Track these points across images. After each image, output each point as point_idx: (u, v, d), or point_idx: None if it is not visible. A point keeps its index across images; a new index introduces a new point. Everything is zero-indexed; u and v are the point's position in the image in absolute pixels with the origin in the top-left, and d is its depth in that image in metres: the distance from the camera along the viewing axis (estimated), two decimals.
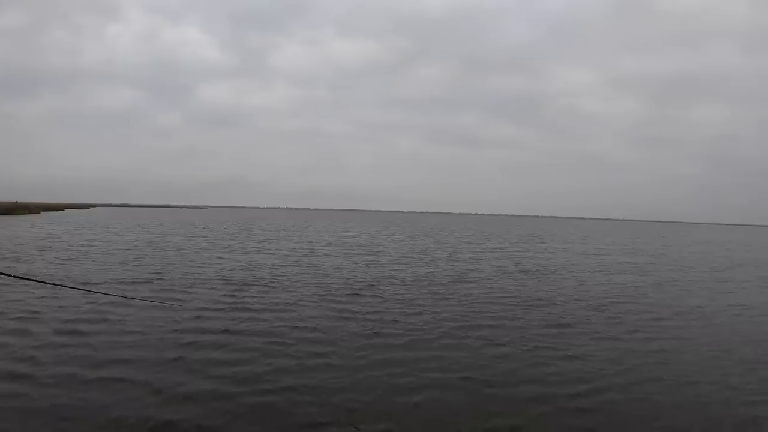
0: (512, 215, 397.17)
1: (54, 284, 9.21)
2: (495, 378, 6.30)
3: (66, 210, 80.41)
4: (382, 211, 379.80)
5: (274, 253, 21.66)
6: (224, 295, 11.24)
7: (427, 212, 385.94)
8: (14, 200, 69.93)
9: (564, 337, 8.46)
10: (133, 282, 12.56)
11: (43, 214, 62.03)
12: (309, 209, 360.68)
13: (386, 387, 5.86)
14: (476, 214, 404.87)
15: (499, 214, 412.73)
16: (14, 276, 5.02)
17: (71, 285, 10.85)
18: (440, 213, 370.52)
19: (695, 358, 7.42)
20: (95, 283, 11.94)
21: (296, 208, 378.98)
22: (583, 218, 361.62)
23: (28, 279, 6.11)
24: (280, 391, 5.63)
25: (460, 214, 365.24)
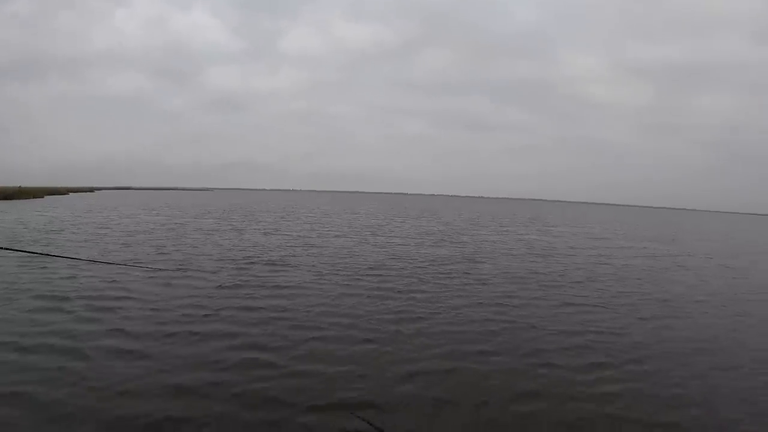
0: (519, 199, 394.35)
1: (69, 257, 9.90)
2: (514, 359, 6.25)
3: (69, 194, 79.54)
4: (388, 193, 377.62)
5: (283, 234, 21.61)
6: (232, 275, 11.17)
7: (434, 195, 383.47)
8: (17, 185, 68.94)
9: (582, 318, 8.47)
10: (139, 260, 12.80)
11: (47, 198, 61.21)
12: (315, 191, 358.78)
13: (395, 374, 5.61)
14: (483, 197, 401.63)
15: (506, 198, 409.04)
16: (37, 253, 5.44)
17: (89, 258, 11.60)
18: (447, 196, 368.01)
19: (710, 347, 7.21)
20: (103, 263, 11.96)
21: (302, 190, 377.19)
22: (589, 203, 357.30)
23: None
24: (295, 374, 5.50)
25: (467, 197, 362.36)
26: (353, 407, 4.70)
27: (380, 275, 11.77)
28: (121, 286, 9.52)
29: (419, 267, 13.30)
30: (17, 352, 5.85)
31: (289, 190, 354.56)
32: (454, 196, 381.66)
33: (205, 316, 7.73)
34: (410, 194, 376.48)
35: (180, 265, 12.21)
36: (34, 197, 59.03)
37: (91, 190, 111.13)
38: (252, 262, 13.08)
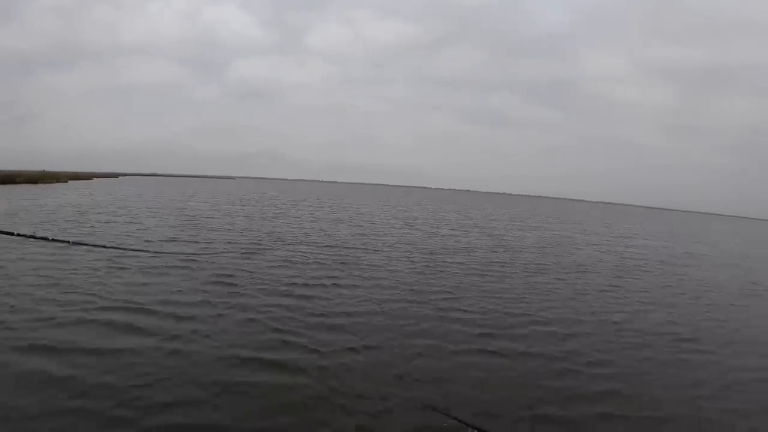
0: (540, 196, 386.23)
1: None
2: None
3: (93, 179, 77.38)
4: (411, 186, 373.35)
5: (339, 221, 23.84)
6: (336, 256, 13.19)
7: (455, 189, 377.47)
8: (41, 169, 66.93)
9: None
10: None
11: (70, 182, 58.91)
12: (337, 182, 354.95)
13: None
14: (504, 193, 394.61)
15: (528, 195, 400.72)
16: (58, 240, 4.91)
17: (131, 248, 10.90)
18: (469, 191, 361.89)
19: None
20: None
21: (323, 181, 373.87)
22: (610, 203, 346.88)
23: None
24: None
25: (487, 192, 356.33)
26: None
27: (438, 267, 12.88)
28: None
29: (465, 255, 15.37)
30: None
31: (309, 181, 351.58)
32: (476, 191, 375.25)
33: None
34: (432, 188, 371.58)
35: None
36: (57, 181, 57.05)
37: (115, 175, 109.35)
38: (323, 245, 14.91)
